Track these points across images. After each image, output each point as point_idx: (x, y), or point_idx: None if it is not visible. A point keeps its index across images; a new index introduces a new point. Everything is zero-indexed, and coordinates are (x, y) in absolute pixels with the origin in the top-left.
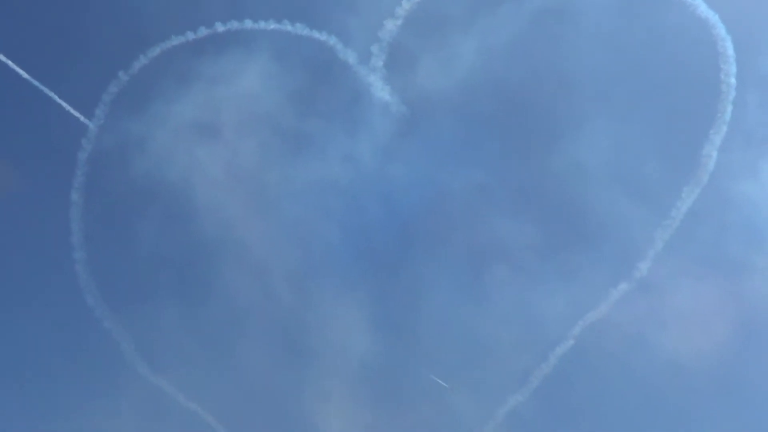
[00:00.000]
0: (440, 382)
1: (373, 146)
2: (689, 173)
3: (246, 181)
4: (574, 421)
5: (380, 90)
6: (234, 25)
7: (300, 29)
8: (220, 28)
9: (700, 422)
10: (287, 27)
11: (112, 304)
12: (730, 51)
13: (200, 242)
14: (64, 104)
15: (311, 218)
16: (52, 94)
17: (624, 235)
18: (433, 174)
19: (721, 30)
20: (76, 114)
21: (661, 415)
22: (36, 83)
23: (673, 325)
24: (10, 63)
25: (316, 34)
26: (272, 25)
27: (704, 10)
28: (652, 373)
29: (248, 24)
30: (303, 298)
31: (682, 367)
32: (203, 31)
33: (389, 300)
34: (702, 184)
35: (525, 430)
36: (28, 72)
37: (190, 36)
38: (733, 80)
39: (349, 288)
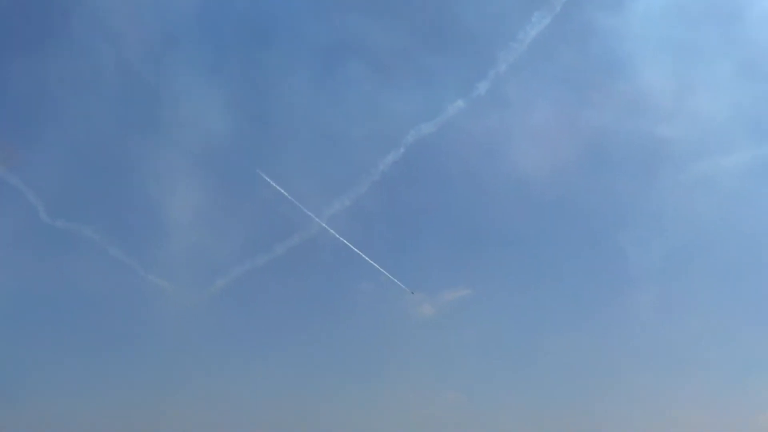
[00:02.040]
0: (397, 281)
1: None
2: None
3: None
4: (413, 218)
5: None
6: None
7: None
8: None
9: (536, 234)
10: None
11: None
12: None
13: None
14: None
15: None
16: None
17: (470, 51)
18: None
19: None
20: None
21: (496, 221)
22: None
23: (516, 142)
24: None
25: None
26: None
27: None
28: (494, 185)
29: None
30: (158, 69)
31: (524, 182)
32: None
33: (243, 83)
34: (554, 11)
35: (361, 224)
36: None
37: None
38: None
39: (205, 67)
